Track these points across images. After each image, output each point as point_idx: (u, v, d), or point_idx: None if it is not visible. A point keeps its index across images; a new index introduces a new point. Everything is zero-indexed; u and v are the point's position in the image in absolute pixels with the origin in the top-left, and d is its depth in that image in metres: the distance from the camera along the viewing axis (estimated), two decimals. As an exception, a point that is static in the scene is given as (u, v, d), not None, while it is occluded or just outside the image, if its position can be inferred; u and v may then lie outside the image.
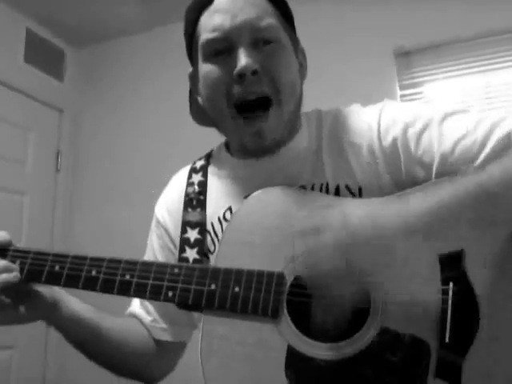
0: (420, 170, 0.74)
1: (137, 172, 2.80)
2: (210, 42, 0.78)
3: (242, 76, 0.75)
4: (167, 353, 0.95)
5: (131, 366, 0.92)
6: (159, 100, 2.83)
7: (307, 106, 0.88)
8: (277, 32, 0.79)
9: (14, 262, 0.80)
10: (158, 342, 0.93)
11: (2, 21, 2.66)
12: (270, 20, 0.78)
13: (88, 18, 2.84)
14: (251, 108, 0.77)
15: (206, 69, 0.80)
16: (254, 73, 0.75)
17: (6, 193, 2.61)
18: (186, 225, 0.86)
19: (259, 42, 0.77)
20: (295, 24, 0.87)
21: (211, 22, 0.78)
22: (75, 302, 0.87)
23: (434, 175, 0.73)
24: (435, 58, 2.35)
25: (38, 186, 2.80)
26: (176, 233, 0.89)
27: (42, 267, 0.79)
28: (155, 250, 0.94)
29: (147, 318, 0.93)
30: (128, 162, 2.85)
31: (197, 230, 0.85)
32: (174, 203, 0.92)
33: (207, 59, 0.80)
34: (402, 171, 0.76)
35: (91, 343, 0.88)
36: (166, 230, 0.92)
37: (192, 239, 0.85)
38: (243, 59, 0.75)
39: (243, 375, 0.70)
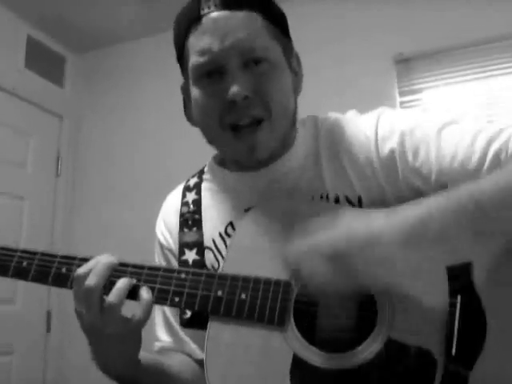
0: (418, 181, 0.74)
1: (136, 177, 2.80)
2: (199, 66, 0.76)
3: (233, 102, 0.73)
4: None
5: None
6: (159, 106, 2.83)
7: (305, 111, 0.87)
8: (268, 50, 0.76)
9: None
10: (201, 363, 0.87)
11: (3, 26, 2.66)
12: (261, 38, 0.76)
13: (89, 24, 2.85)
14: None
15: (197, 93, 0.78)
16: (246, 98, 0.73)
17: (6, 197, 2.60)
18: (183, 246, 0.85)
19: (250, 62, 0.75)
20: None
21: (200, 44, 0.75)
22: None
23: (432, 186, 0.73)
24: (435, 64, 2.35)
25: (38, 190, 2.80)
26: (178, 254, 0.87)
27: (48, 268, 0.76)
28: None
29: (181, 344, 0.89)
30: (128, 167, 2.86)
31: (194, 251, 0.84)
32: (171, 224, 0.90)
33: (197, 82, 0.78)
34: (399, 181, 0.75)
35: None
36: (171, 251, 0.90)
37: (190, 261, 0.84)
38: (234, 86, 0.73)
39: (248, 382, 0.70)
